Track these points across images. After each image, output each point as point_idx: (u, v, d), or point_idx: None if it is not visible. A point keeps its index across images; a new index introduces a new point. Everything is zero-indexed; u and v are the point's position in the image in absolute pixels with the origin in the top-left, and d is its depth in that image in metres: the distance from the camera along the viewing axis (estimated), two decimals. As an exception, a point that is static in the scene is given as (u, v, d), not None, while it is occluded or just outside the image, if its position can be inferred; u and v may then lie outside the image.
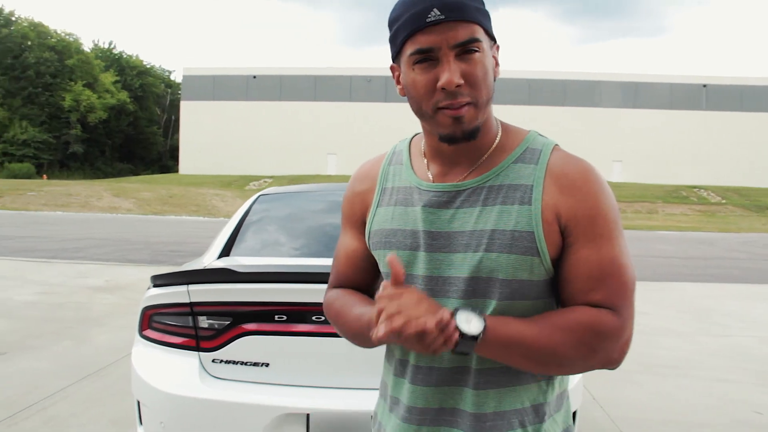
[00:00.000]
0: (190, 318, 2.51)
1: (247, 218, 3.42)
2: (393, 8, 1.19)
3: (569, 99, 50.21)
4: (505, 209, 1.19)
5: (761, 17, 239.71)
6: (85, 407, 4.28)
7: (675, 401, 4.81)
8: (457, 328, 1.07)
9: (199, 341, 2.51)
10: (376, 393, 2.45)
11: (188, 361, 2.51)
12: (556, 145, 1.26)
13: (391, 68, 1.27)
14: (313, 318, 2.44)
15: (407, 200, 1.29)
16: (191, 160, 52.95)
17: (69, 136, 59.74)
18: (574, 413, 2.59)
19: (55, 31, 62.54)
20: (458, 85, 1.13)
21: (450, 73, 1.12)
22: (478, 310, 1.11)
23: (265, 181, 47.06)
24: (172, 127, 73.24)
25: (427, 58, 1.15)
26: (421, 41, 1.14)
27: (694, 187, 46.16)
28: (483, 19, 1.16)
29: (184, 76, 54.50)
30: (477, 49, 1.14)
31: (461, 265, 1.20)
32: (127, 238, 18.14)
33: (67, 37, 63.17)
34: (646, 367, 5.71)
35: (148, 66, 74.21)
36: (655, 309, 8.66)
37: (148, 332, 2.63)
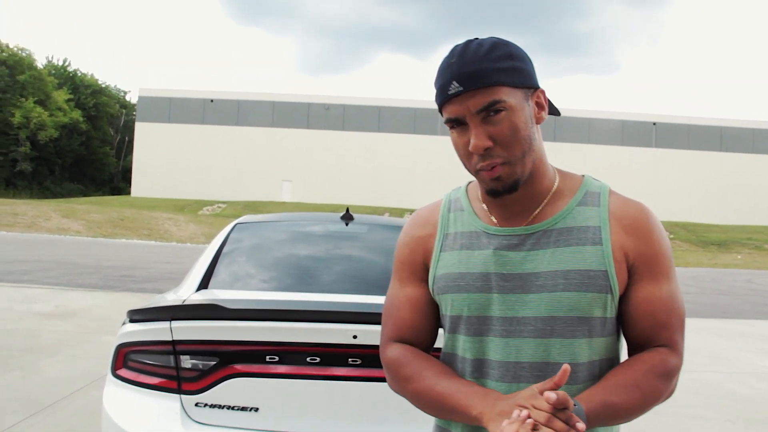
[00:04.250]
0: (171, 357, 2.31)
1: (225, 248, 3.23)
2: (435, 74, 1.26)
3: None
4: (578, 250, 1.25)
5: (708, 60, 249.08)
6: (37, 446, 3.99)
7: (652, 441, 4.73)
8: None
9: (181, 383, 2.30)
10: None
11: (168, 404, 2.30)
12: (610, 187, 1.35)
13: None
14: (308, 359, 2.27)
15: (473, 244, 1.32)
16: (144, 182, 51.99)
17: (17, 154, 58.00)
18: None
19: (7, 46, 61.00)
20: (487, 147, 1.19)
21: (476, 139, 1.19)
22: (576, 404, 1.13)
23: (219, 206, 46.48)
24: (125, 148, 71.87)
25: (458, 123, 1.22)
26: (449, 111, 1.22)
27: (644, 221, 47.09)
28: (507, 78, 1.20)
29: (140, 97, 53.70)
30: (502, 108, 1.19)
31: (537, 306, 1.24)
32: (76, 261, 17.57)
33: (20, 52, 61.63)
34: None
35: (103, 85, 72.73)
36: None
37: (123, 372, 2.40)
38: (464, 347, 1.32)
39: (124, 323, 2.46)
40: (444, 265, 1.34)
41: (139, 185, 52.34)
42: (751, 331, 10.79)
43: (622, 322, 1.30)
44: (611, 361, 1.30)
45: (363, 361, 2.28)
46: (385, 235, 3.59)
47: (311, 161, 51.02)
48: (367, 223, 3.60)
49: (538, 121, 1.26)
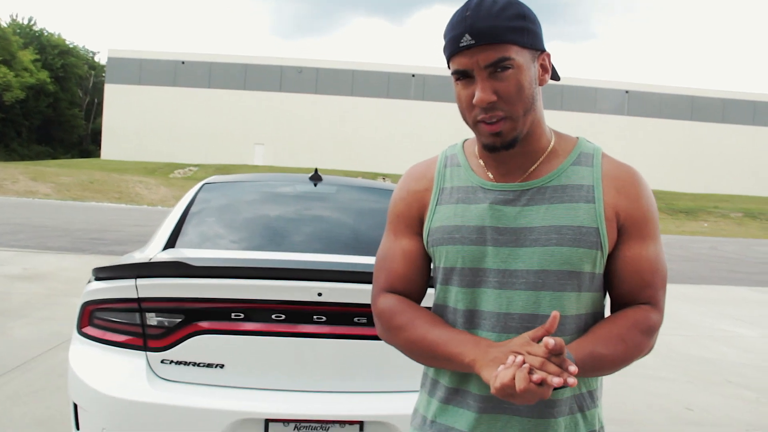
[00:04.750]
0: (137, 314, 2.31)
1: (192, 208, 3.22)
2: (445, 26, 1.29)
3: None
4: (571, 207, 1.30)
5: (682, 30, 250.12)
6: (5, 407, 3.98)
7: (613, 399, 4.86)
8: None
9: (146, 340, 2.31)
10: (339, 396, 2.35)
11: (134, 361, 2.31)
12: (602, 150, 1.41)
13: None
14: (273, 316, 2.29)
15: (470, 198, 1.36)
16: (114, 145, 51.17)
17: (-18, 116, 56.78)
18: None
19: (-31, 4, 59.25)
20: (491, 102, 1.23)
21: (481, 92, 1.22)
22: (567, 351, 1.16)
23: (191, 170, 46.01)
24: (94, 110, 70.55)
25: (464, 76, 1.25)
26: (458, 63, 1.25)
27: (615, 189, 47.64)
28: (518, 37, 1.23)
29: (109, 59, 52.56)
30: (510, 66, 1.22)
31: (530, 259, 1.29)
32: (45, 224, 17.35)
33: (-18, 10, 59.96)
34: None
35: (71, 45, 70.85)
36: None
37: (89, 329, 2.40)
38: (456, 298, 1.36)
39: (89, 281, 2.46)
40: (440, 218, 1.38)
41: (109, 148, 51.54)
42: (712, 296, 11.06)
43: (609, 279, 1.36)
44: (596, 316, 1.35)
45: (328, 318, 2.31)
46: (353, 195, 3.60)
47: (284, 125, 50.58)
48: (336, 184, 3.61)
49: (541, 83, 1.31)
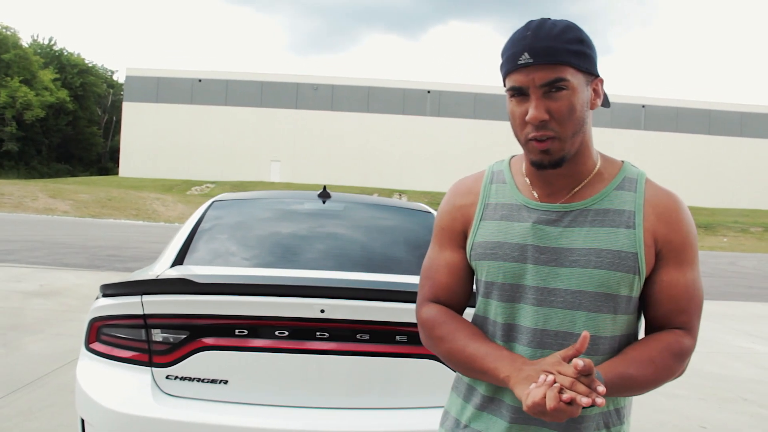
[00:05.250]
0: (143, 331, 2.35)
1: (201, 225, 3.26)
2: (504, 44, 1.33)
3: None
4: (612, 231, 1.34)
5: (700, 43, 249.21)
6: (17, 422, 4.02)
7: (625, 418, 4.83)
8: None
9: (152, 356, 2.34)
10: (342, 412, 2.36)
11: (140, 377, 2.34)
12: (647, 175, 1.44)
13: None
14: (276, 333, 2.31)
15: (514, 216, 1.41)
16: (132, 162, 51.70)
17: (3, 134, 57.36)
18: None
19: (-8, 25, 60.21)
20: (543, 120, 1.27)
21: (535, 110, 1.26)
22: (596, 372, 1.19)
23: (207, 186, 46.32)
24: (113, 128, 71.39)
25: (519, 93, 1.29)
26: (514, 80, 1.29)
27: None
28: (575, 60, 1.27)
29: (127, 77, 53.20)
30: (564, 87, 1.27)
31: (569, 279, 1.33)
32: (63, 241, 17.53)
33: (4, 30, 60.80)
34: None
35: (89, 65, 71.82)
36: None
37: (96, 345, 2.44)
38: (496, 312, 1.41)
39: (97, 298, 2.50)
40: (483, 233, 1.43)
41: (127, 165, 52.04)
42: (730, 312, 10.93)
43: (645, 302, 1.40)
44: (630, 338, 1.39)
45: (330, 335, 2.33)
46: (361, 212, 3.63)
47: (300, 141, 50.85)
48: (344, 201, 3.64)
49: (592, 107, 1.35)
